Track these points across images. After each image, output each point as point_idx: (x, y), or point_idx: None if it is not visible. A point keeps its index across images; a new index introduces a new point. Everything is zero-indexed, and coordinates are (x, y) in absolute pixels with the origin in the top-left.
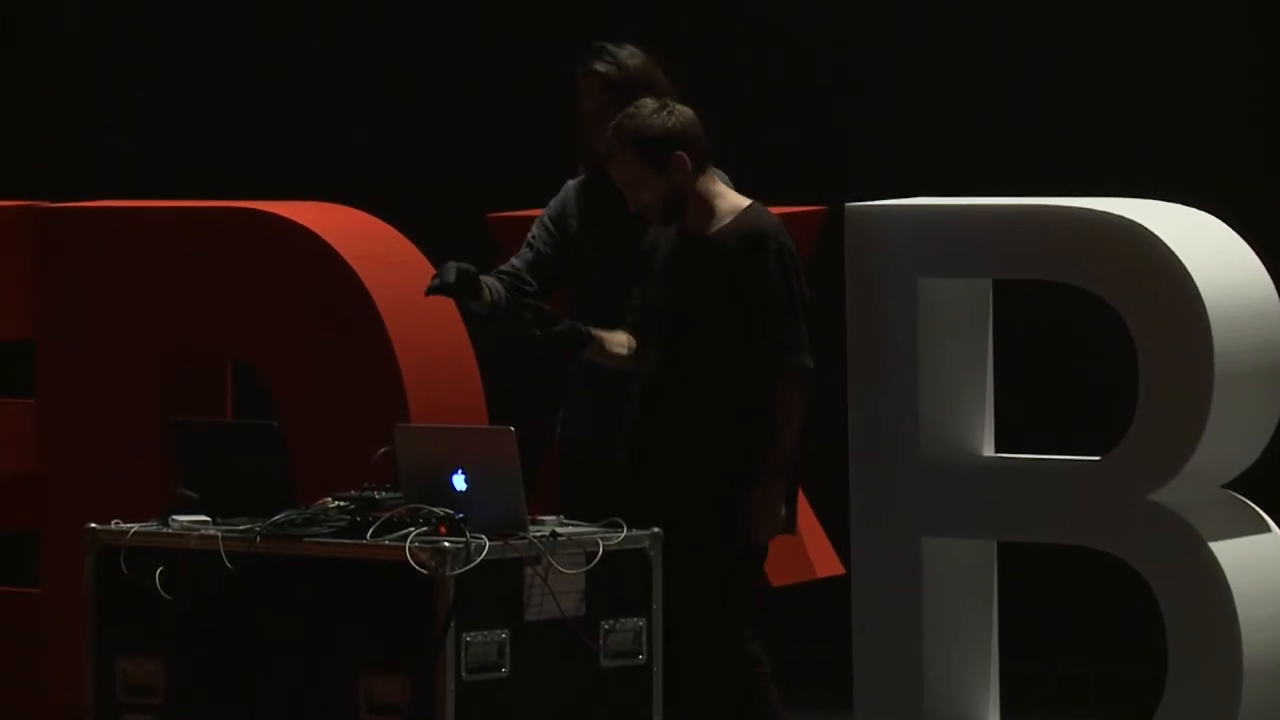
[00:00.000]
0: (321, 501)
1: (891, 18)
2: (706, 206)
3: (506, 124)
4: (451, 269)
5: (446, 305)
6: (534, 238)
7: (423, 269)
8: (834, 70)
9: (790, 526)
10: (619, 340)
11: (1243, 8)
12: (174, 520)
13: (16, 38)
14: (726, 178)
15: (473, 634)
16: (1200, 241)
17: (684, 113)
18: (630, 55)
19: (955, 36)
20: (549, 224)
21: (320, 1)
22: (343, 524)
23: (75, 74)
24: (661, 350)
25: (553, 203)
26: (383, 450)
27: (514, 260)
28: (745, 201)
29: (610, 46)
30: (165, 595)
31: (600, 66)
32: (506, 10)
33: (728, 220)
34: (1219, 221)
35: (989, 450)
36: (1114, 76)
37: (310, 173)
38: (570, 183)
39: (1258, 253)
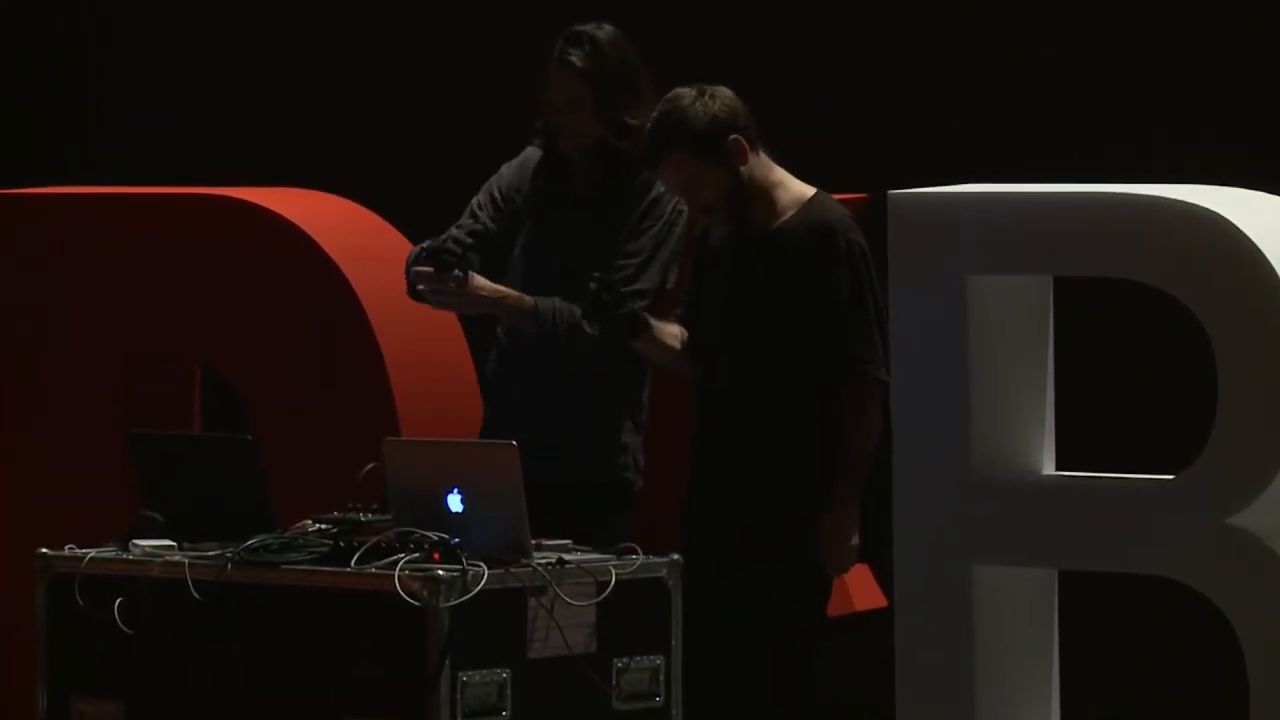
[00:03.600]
0: (300, 524)
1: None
2: (766, 198)
3: (506, 123)
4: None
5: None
6: (480, 207)
7: None
8: (874, 46)
9: (868, 555)
10: (672, 332)
11: None
12: (135, 545)
13: (15, 35)
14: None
15: (470, 673)
16: None
17: (724, 93)
18: (610, 42)
19: (1000, 15)
20: (498, 196)
21: (320, 1)
22: (324, 549)
23: (73, 72)
24: (718, 358)
25: (505, 173)
26: (369, 466)
27: (455, 229)
28: (809, 191)
29: (590, 32)
30: (125, 629)
31: (578, 59)
32: (507, 10)
33: (791, 213)
34: None
35: (1048, 468)
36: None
37: (310, 171)
38: (531, 151)
39: None
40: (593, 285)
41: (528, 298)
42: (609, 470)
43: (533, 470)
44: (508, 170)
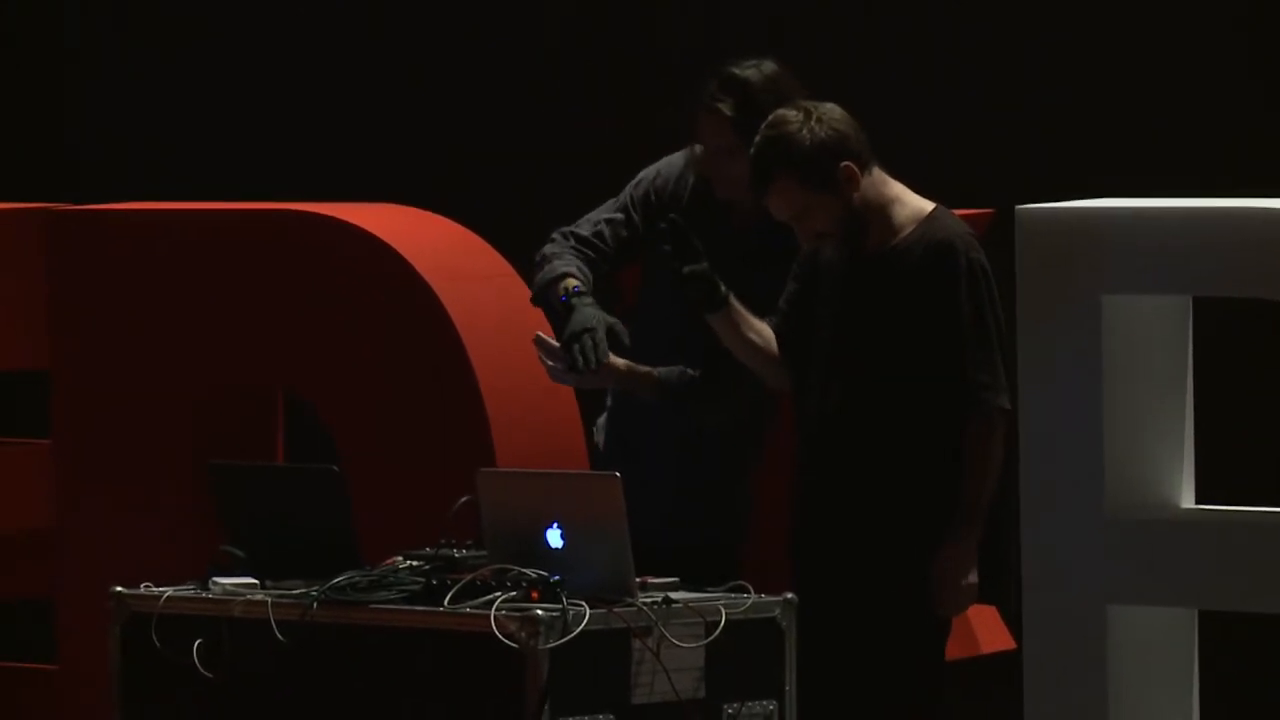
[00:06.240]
0: (390, 561)
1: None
2: (882, 216)
3: (608, 139)
4: (593, 337)
5: (541, 327)
6: (634, 206)
7: (511, 283)
8: (999, 54)
9: (991, 596)
10: (758, 327)
11: None
12: (215, 583)
13: (13, 34)
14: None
15: (571, 719)
16: None
17: (832, 114)
18: (764, 85)
19: (1133, 23)
20: (653, 199)
21: (422, 24)
22: (416, 588)
23: (73, 69)
24: (830, 382)
25: (665, 172)
26: (463, 499)
27: (604, 223)
28: (927, 206)
29: (741, 75)
30: (205, 672)
31: (726, 108)
32: (605, 35)
33: (908, 231)
34: None
35: (1188, 501)
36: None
37: (403, 187)
38: (690, 155)
39: None
40: (662, 225)
41: (654, 372)
42: (722, 536)
43: (642, 535)
44: (666, 170)
